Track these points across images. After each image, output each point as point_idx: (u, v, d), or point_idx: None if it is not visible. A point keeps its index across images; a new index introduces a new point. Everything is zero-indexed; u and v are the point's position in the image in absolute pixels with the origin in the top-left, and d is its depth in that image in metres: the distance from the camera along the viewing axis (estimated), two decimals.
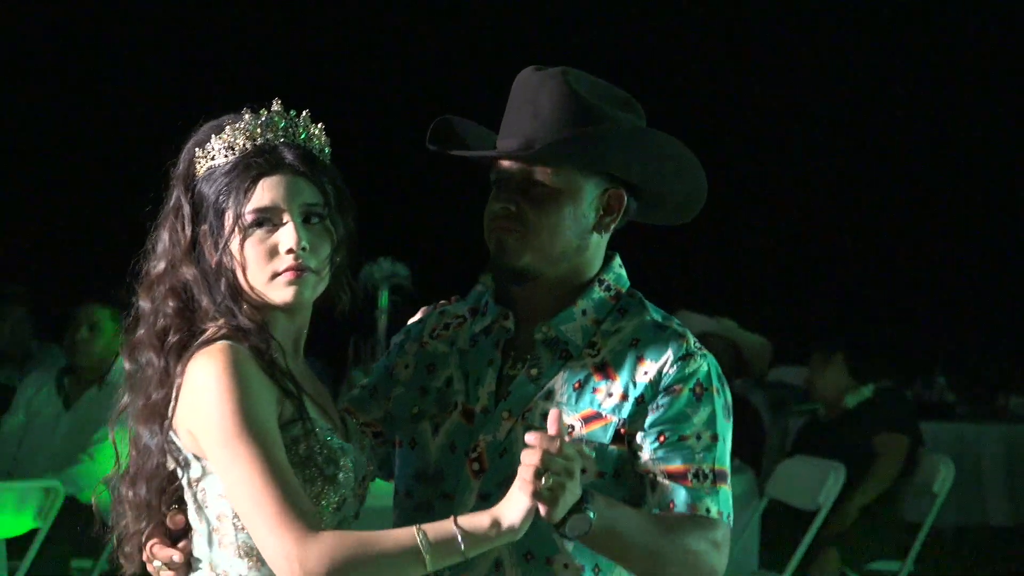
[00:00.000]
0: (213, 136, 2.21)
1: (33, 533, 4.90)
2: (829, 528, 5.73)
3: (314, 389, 2.28)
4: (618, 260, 2.35)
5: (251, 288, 2.18)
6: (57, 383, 5.71)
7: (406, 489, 2.35)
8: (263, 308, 2.20)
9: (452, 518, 2.01)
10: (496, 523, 1.99)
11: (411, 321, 2.53)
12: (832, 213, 11.03)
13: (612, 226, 2.31)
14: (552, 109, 2.22)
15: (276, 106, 2.23)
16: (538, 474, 1.96)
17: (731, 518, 2.21)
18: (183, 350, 2.16)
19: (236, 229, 2.16)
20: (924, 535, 5.80)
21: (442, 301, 2.52)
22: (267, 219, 2.17)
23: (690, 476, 2.17)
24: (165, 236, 2.22)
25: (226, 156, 2.19)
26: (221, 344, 2.12)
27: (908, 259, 10.93)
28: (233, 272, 2.17)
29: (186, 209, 2.20)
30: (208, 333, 2.16)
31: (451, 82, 9.77)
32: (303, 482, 2.10)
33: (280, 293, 2.17)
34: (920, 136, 10.87)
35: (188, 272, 2.19)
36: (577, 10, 10.83)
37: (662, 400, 2.19)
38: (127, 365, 2.26)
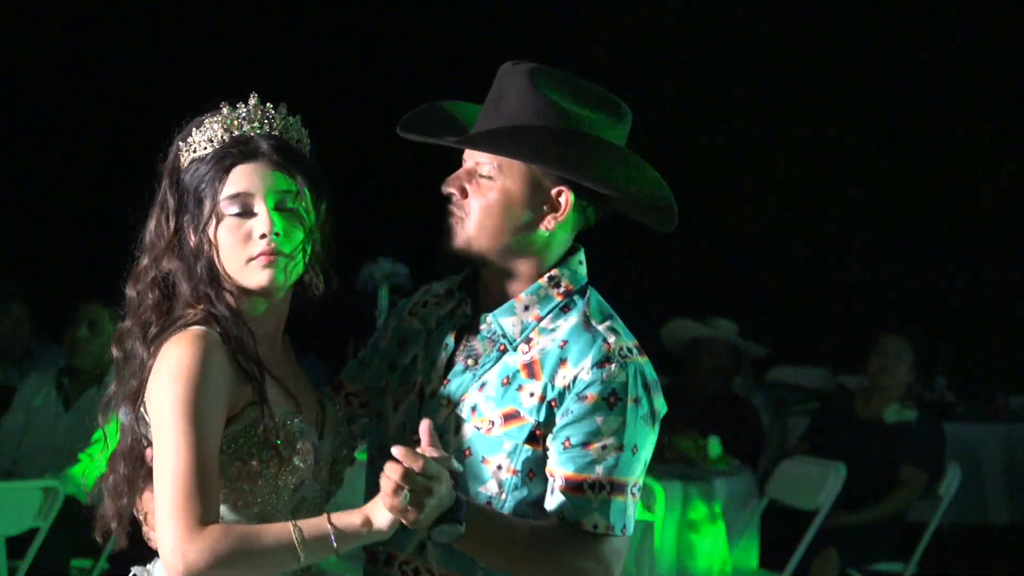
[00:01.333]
0: (195, 130, 2.31)
1: (33, 533, 4.91)
2: (828, 529, 5.73)
3: (288, 374, 2.35)
4: (579, 257, 2.31)
5: (227, 273, 2.27)
6: (57, 383, 5.71)
7: (370, 458, 2.41)
8: (241, 294, 2.28)
9: (326, 516, 2.09)
10: (367, 522, 2.08)
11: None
12: (832, 213, 11.03)
13: (559, 223, 2.25)
14: (512, 104, 2.23)
15: (253, 99, 2.32)
16: (396, 490, 2.01)
17: (627, 529, 2.15)
18: (160, 336, 2.25)
19: (213, 216, 2.26)
20: (928, 537, 5.81)
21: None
22: (241, 205, 2.26)
23: (585, 486, 2.12)
24: (151, 228, 2.33)
25: (206, 148, 2.29)
26: (192, 329, 2.21)
27: (908, 259, 10.93)
28: (210, 258, 2.27)
29: (170, 202, 2.31)
30: (184, 319, 2.24)
31: (454, 82, 9.76)
32: (260, 463, 2.20)
33: (255, 277, 2.26)
34: (920, 136, 10.87)
35: (170, 263, 2.29)
36: (582, 13, 10.84)
37: (573, 405, 2.15)
38: (115, 353, 2.33)
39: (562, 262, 2.29)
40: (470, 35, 10.35)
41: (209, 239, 2.26)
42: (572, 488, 2.12)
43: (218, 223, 2.26)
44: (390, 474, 2.02)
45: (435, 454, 2.07)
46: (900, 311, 10.15)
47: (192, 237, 2.28)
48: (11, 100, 10.50)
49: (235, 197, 2.25)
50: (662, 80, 10.81)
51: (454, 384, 2.29)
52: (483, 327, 2.30)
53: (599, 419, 2.12)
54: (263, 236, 2.24)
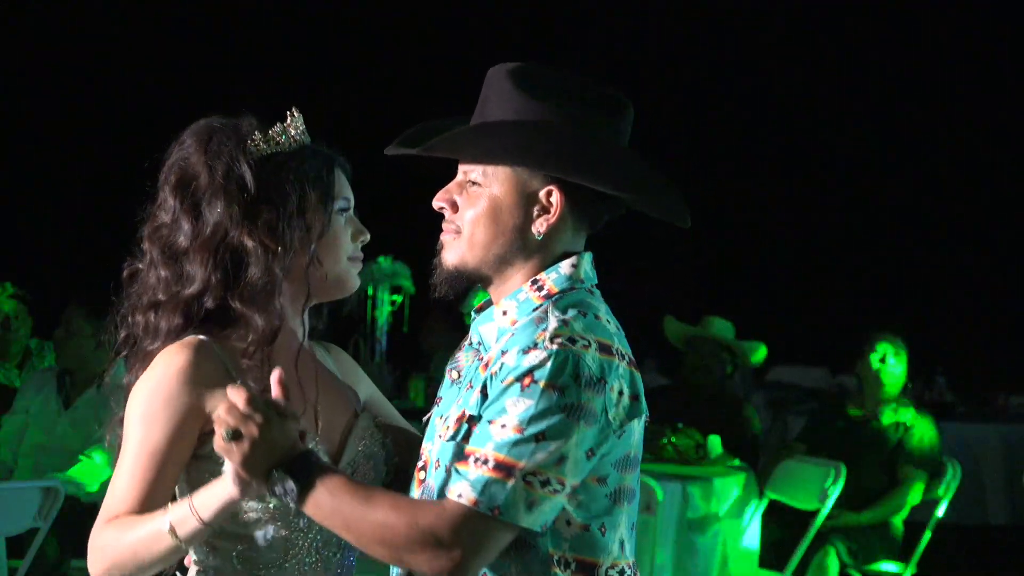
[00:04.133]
0: (277, 124, 2.28)
1: (33, 533, 4.91)
2: (828, 529, 5.73)
3: (311, 382, 2.32)
4: (570, 261, 2.15)
5: (318, 274, 2.26)
6: (57, 383, 5.72)
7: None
8: (299, 294, 2.28)
9: (189, 496, 2.09)
10: (221, 488, 2.06)
11: None
12: (832, 213, 11.03)
13: (551, 225, 2.13)
14: (493, 105, 2.15)
15: (296, 113, 2.32)
16: (219, 424, 2.01)
17: (500, 512, 1.94)
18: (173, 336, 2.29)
19: (323, 215, 2.26)
20: (928, 537, 5.81)
21: None
22: (344, 209, 2.31)
23: (471, 460, 1.98)
24: (218, 206, 2.24)
25: (291, 146, 2.28)
26: (190, 339, 2.23)
27: (908, 259, 10.93)
28: (309, 258, 2.25)
29: (250, 183, 2.23)
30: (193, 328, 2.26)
31: (454, 82, 9.77)
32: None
33: (351, 278, 2.33)
34: (920, 136, 10.87)
35: (245, 239, 2.22)
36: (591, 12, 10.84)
37: (493, 389, 2.03)
38: (173, 321, 2.31)
39: (550, 266, 2.15)
40: (476, 36, 10.34)
41: (308, 237, 2.25)
42: (460, 461, 2.00)
43: (328, 223, 2.28)
44: (219, 412, 2.02)
45: (276, 397, 2.04)
46: (900, 311, 10.15)
47: (266, 231, 2.23)
48: (11, 100, 10.50)
49: (348, 198, 2.32)
50: (662, 80, 10.81)
51: (443, 399, 2.24)
52: (471, 338, 2.23)
53: (507, 400, 1.98)
54: (362, 240, 2.33)
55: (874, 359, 6.08)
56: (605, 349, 2.03)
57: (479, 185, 2.15)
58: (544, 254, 2.14)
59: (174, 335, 2.27)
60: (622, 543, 2.08)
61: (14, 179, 10.61)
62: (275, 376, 2.08)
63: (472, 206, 2.15)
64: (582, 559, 2.05)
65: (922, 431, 5.98)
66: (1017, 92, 10.63)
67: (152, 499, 2.16)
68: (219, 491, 2.08)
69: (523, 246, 2.13)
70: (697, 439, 5.89)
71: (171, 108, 11.39)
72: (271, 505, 2.18)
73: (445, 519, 1.96)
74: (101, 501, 5.73)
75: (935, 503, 5.92)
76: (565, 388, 1.98)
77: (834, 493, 5.49)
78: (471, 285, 2.22)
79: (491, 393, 2.02)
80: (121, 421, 2.29)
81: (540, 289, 2.12)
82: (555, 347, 1.99)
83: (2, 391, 6.32)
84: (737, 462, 5.96)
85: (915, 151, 10.91)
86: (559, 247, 2.15)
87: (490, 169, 2.14)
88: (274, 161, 2.26)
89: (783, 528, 5.84)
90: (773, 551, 5.84)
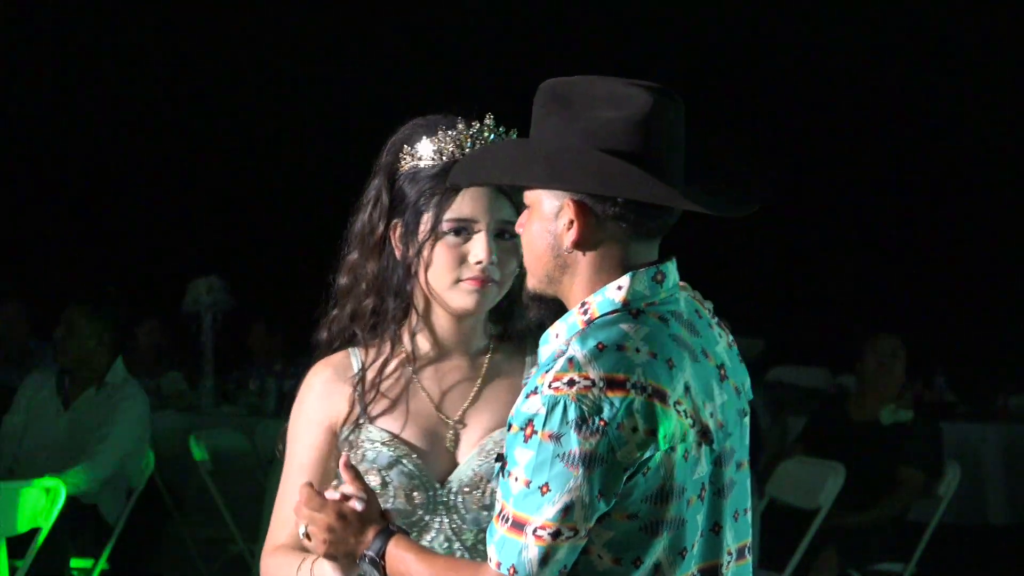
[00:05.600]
0: (424, 138, 2.31)
1: (33, 533, 4.91)
2: (828, 529, 5.73)
3: (454, 400, 2.36)
4: (618, 283, 2.09)
5: (430, 290, 2.31)
6: (57, 383, 5.72)
7: None
8: (429, 311, 2.34)
9: (314, 561, 2.23)
10: (330, 566, 2.19)
11: None
12: (832, 213, 11.03)
13: (576, 241, 2.09)
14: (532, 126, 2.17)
15: (488, 120, 2.33)
16: (299, 522, 2.18)
17: (517, 571, 2.00)
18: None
19: (433, 232, 2.28)
20: (928, 537, 5.81)
21: None
22: (463, 228, 2.29)
23: (498, 516, 2.03)
24: (364, 221, 2.35)
25: (433, 160, 2.30)
26: (327, 358, 2.37)
27: (908, 259, 10.93)
28: (412, 271, 2.31)
29: (384, 200, 2.33)
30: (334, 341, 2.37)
31: (456, 82, 9.77)
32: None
33: (461, 299, 2.30)
34: (919, 136, 10.87)
35: (372, 266, 2.33)
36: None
37: (506, 436, 2.05)
38: (323, 336, 2.40)
39: (599, 288, 2.11)
40: (479, 37, 10.34)
41: (420, 253, 2.29)
42: (496, 516, 2.04)
43: (436, 240, 2.28)
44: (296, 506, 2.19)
45: (349, 490, 2.16)
46: (900, 311, 10.15)
47: (400, 245, 2.31)
48: (10, 101, 10.50)
49: (459, 220, 2.28)
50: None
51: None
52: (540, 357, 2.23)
53: (516, 450, 1.99)
54: (479, 262, 2.28)
55: (874, 359, 6.08)
56: (614, 384, 1.99)
57: (528, 207, 2.16)
58: (592, 270, 2.11)
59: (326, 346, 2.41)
60: (658, 568, 2.06)
61: (14, 179, 10.61)
62: (342, 463, 2.19)
63: (525, 229, 2.16)
64: None
65: (922, 431, 5.99)
66: (1017, 92, 10.63)
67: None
68: (327, 570, 2.18)
69: (562, 265, 2.11)
70: None
71: (170, 108, 11.38)
72: None
73: None
74: (101, 501, 5.71)
75: (935, 503, 5.91)
76: (561, 436, 1.96)
77: (834, 493, 5.49)
78: (558, 305, 2.20)
79: (507, 436, 2.05)
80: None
81: (585, 313, 2.10)
82: (551, 392, 1.98)
83: (2, 391, 6.33)
84: None
85: (915, 151, 10.91)
86: (607, 261, 2.10)
87: (528, 192, 2.15)
88: (412, 176, 2.32)
89: (783, 528, 5.84)
90: (773, 551, 5.84)
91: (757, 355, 7.14)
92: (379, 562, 2.12)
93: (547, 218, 2.11)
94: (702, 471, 2.08)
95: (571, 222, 2.08)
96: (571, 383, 1.98)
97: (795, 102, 10.87)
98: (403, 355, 2.35)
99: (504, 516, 2.01)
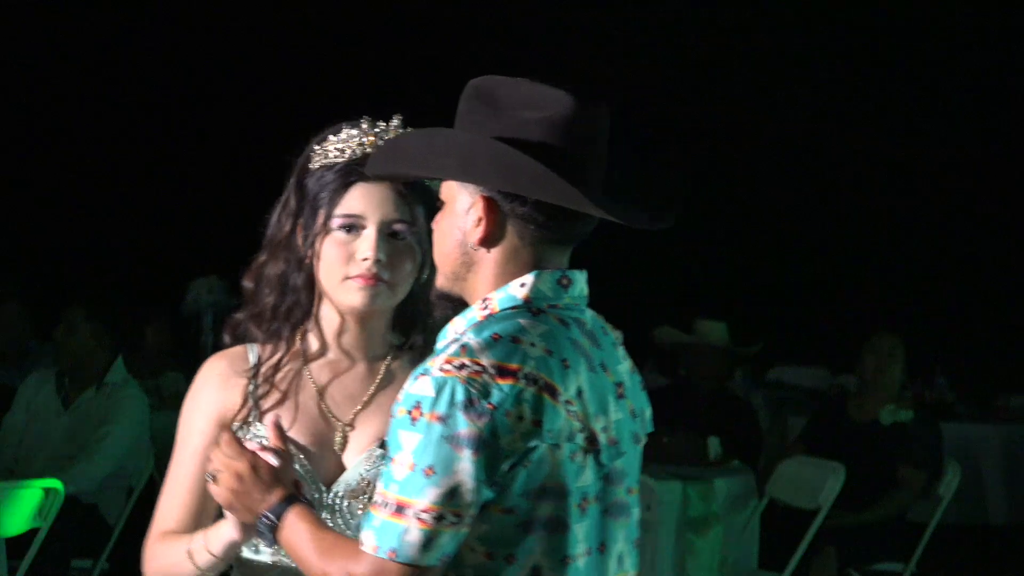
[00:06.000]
0: (331, 136, 2.33)
1: (33, 533, 4.91)
2: (828, 529, 5.73)
3: (346, 400, 2.35)
4: (521, 280, 2.07)
5: (323, 288, 2.32)
6: (57, 383, 5.72)
7: None
8: (324, 310, 2.34)
9: (205, 530, 2.25)
10: (226, 527, 2.21)
11: None
12: (831, 213, 11.03)
13: (483, 237, 2.07)
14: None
15: (395, 120, 2.33)
16: (210, 470, 2.19)
17: (398, 554, 1.95)
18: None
19: (324, 228, 2.29)
20: (928, 537, 5.81)
21: None
22: (352, 225, 2.28)
23: (379, 501, 1.99)
24: (273, 223, 2.38)
25: (336, 158, 2.31)
26: (225, 351, 2.37)
27: (908, 259, 10.94)
28: (310, 268, 2.32)
29: (292, 202, 2.34)
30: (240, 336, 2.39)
31: (455, 81, 9.77)
32: None
33: (349, 296, 2.29)
34: (919, 136, 10.87)
35: (277, 265, 2.34)
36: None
37: (392, 421, 2.01)
38: (227, 339, 2.41)
39: (504, 285, 2.08)
40: (481, 38, 10.35)
41: (314, 250, 2.30)
42: (375, 503, 2.01)
43: (325, 236, 2.29)
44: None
45: (272, 446, 2.18)
46: (900, 311, 10.15)
47: (300, 244, 2.32)
48: (10, 102, 10.50)
49: (346, 216, 2.28)
50: (659, 77, 10.81)
51: None
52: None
53: (401, 433, 1.96)
54: (365, 259, 2.27)
55: (873, 359, 6.08)
56: (505, 372, 1.97)
57: (442, 200, 2.14)
58: (497, 270, 2.08)
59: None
60: (536, 570, 2.01)
61: (14, 179, 10.61)
62: (270, 422, 2.20)
63: (436, 223, 2.15)
64: None
65: (922, 431, 5.99)
66: (1018, 92, 10.63)
67: (180, 507, 2.35)
68: (224, 530, 2.20)
69: (469, 262, 2.10)
70: (696, 440, 5.90)
71: (170, 109, 11.38)
72: (282, 554, 2.23)
73: (354, 567, 1.99)
74: (101, 501, 5.72)
75: (935, 503, 5.91)
76: (448, 418, 1.94)
77: (834, 493, 5.49)
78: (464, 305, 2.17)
79: (394, 420, 2.00)
80: None
81: (486, 308, 2.08)
82: (440, 374, 1.96)
83: (2, 391, 6.33)
84: (737, 462, 5.96)
85: (915, 151, 10.91)
86: (513, 261, 2.08)
87: (443, 188, 2.13)
88: (316, 175, 2.32)
89: (783, 528, 5.84)
90: (773, 551, 5.84)
91: (755, 354, 7.14)
92: (275, 525, 2.11)
93: (458, 214, 2.09)
94: (586, 480, 2.05)
95: (480, 219, 2.07)
96: (461, 367, 1.96)
97: (795, 101, 10.87)
98: (298, 354, 2.35)
99: (385, 503, 1.97)
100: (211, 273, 7.66)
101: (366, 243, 2.27)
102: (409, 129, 2.30)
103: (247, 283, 2.38)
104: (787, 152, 10.92)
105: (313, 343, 2.35)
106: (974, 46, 10.70)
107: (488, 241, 2.07)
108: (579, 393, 2.03)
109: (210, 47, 10.51)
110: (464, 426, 1.94)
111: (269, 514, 2.12)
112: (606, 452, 2.07)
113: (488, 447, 1.95)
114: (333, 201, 2.28)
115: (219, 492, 2.16)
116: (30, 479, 5.14)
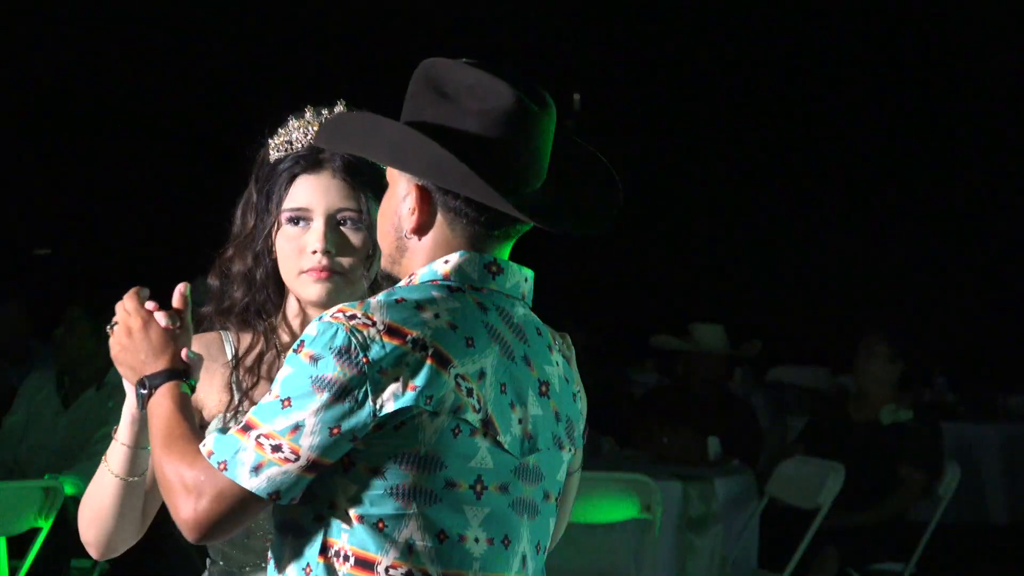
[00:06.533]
0: (279, 129, 2.33)
1: (33, 533, 4.91)
2: (828, 529, 5.73)
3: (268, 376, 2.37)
4: (445, 258, 2.07)
5: (284, 281, 2.32)
6: (57, 383, 5.73)
7: None
8: (290, 303, 2.34)
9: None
10: (126, 405, 2.22)
11: None
12: (831, 213, 11.04)
13: (418, 225, 2.07)
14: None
15: (339, 106, 2.32)
16: (113, 321, 2.18)
17: (227, 468, 1.95)
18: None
19: (275, 223, 2.29)
20: (928, 536, 5.81)
21: None
22: (300, 218, 2.28)
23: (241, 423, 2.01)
24: (236, 219, 2.37)
25: (285, 151, 2.31)
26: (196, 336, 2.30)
27: (907, 259, 10.94)
28: (271, 263, 2.32)
29: (253, 197, 2.34)
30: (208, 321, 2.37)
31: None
32: None
33: (305, 290, 2.28)
34: (919, 136, 10.87)
35: (242, 264, 2.34)
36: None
37: None
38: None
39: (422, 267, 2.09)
40: (482, 35, 10.35)
41: (270, 245, 2.31)
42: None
43: (278, 230, 2.29)
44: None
45: (175, 316, 2.16)
46: (900, 311, 10.15)
47: (259, 239, 2.32)
48: (10, 99, 10.50)
49: (293, 209, 2.28)
50: (658, 77, 10.81)
51: None
52: None
53: (283, 366, 1.99)
54: (314, 252, 2.27)
55: (872, 359, 6.09)
56: (394, 333, 1.96)
57: (386, 182, 2.15)
58: (427, 257, 2.08)
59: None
60: (411, 546, 1.98)
61: (14, 179, 10.61)
62: (178, 289, 2.19)
63: (379, 204, 2.17)
64: (359, 553, 1.98)
65: (922, 431, 5.99)
66: (1018, 92, 10.63)
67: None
68: (124, 410, 2.20)
69: (402, 247, 2.10)
70: (696, 440, 5.90)
71: (170, 109, 11.37)
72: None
73: (186, 470, 1.99)
74: None
75: (935, 503, 5.92)
76: (319, 358, 1.95)
77: (834, 493, 5.49)
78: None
79: None
80: None
81: (409, 282, 2.09)
82: (328, 319, 1.97)
83: (2, 391, 6.33)
84: (737, 462, 5.97)
85: (915, 151, 10.91)
86: (443, 250, 2.08)
87: (388, 171, 2.13)
88: (269, 168, 2.32)
89: (783, 528, 5.85)
90: (773, 551, 5.84)
91: (755, 355, 7.14)
92: (148, 394, 2.11)
93: (396, 199, 2.10)
94: (482, 464, 2.01)
95: (413, 208, 2.07)
96: (352, 317, 1.97)
97: (795, 99, 10.87)
98: (272, 344, 2.34)
99: (240, 422, 2.00)
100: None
101: (314, 235, 2.27)
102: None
103: (212, 280, 2.37)
104: (786, 151, 10.91)
105: (283, 335, 2.35)
106: (971, 34, 10.70)
107: (420, 230, 2.08)
108: (480, 375, 2.01)
109: (210, 47, 10.51)
110: (331, 370, 1.94)
111: (145, 379, 2.12)
112: (516, 443, 2.04)
113: (348, 398, 1.94)
114: (281, 195, 2.29)
115: (112, 344, 2.15)
116: (30, 479, 5.15)
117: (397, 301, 2.00)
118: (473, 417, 2.00)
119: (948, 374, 8.68)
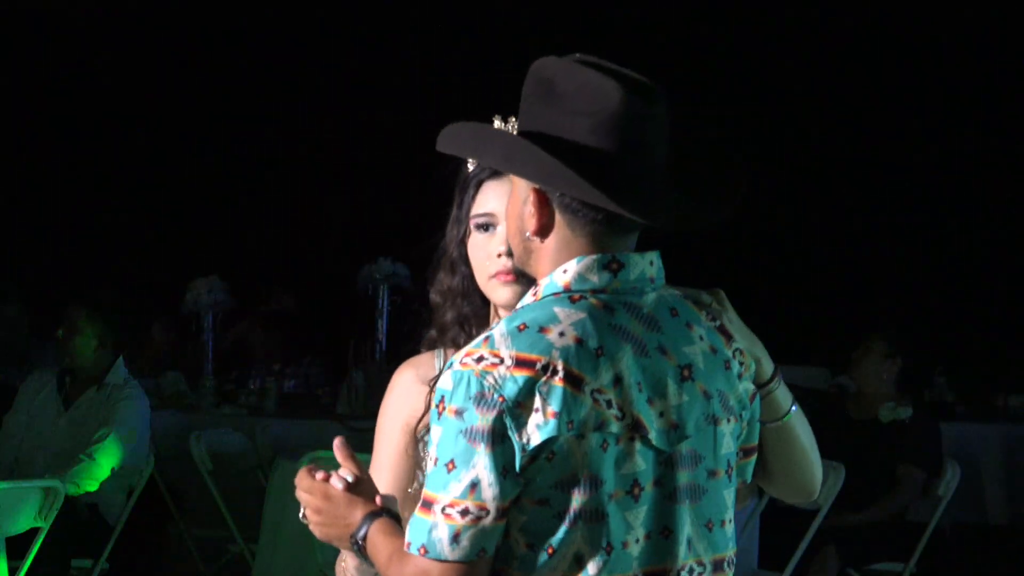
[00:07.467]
0: None
1: (33, 533, 4.92)
2: (828, 528, 5.73)
3: None
4: (564, 267, 2.09)
5: (480, 287, 2.39)
6: (57, 383, 5.73)
7: None
8: (493, 311, 2.40)
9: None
10: None
11: None
12: (831, 212, 11.03)
13: (538, 228, 2.11)
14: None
15: (515, 119, 2.34)
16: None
17: (427, 550, 1.99)
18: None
19: (467, 230, 2.37)
20: (928, 536, 5.81)
21: None
22: (488, 224, 2.35)
23: (420, 500, 2.06)
24: (446, 234, 2.44)
25: (472, 162, 2.38)
26: (408, 360, 2.43)
27: (907, 259, 10.94)
28: (468, 272, 2.39)
29: (455, 211, 2.41)
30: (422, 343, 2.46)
31: (456, 81, 9.77)
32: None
33: (495, 294, 2.35)
34: (919, 136, 10.88)
35: (450, 278, 2.41)
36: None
37: None
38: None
39: (554, 272, 2.12)
40: (481, 34, 10.35)
41: (464, 253, 2.38)
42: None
43: (468, 238, 2.37)
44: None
45: (346, 471, 2.18)
46: (900, 311, 10.15)
47: (453, 249, 2.40)
48: (10, 98, 10.50)
49: (480, 215, 2.35)
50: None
51: None
52: None
53: (432, 428, 2.02)
54: (500, 255, 2.32)
55: (871, 359, 6.09)
56: (523, 364, 1.99)
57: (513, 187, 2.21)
58: (550, 258, 2.12)
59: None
60: (579, 559, 2.02)
61: (14, 179, 10.61)
62: (336, 443, 2.20)
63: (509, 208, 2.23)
64: None
65: (921, 429, 5.99)
66: (1018, 92, 10.63)
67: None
68: (348, 559, 2.25)
69: (528, 248, 2.14)
70: None
71: (170, 108, 11.34)
72: None
73: (401, 568, 2.03)
74: (101, 501, 5.73)
75: (935, 503, 5.92)
76: (464, 411, 1.98)
77: (834, 492, 5.49)
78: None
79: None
80: None
81: (535, 296, 2.13)
82: (459, 368, 2.00)
83: (2, 391, 6.34)
84: None
85: (914, 151, 10.91)
86: (565, 249, 2.11)
87: (513, 175, 2.19)
88: (466, 178, 2.39)
89: (783, 528, 5.85)
90: (773, 551, 5.84)
91: None
92: (362, 546, 2.12)
93: (518, 202, 2.14)
94: (635, 467, 2.04)
95: (533, 211, 2.11)
96: (479, 359, 2.00)
97: (796, 99, 10.87)
98: None
99: (417, 498, 2.03)
100: (211, 273, 7.66)
101: (498, 240, 2.33)
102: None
103: (435, 298, 2.44)
104: (786, 150, 10.92)
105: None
106: (974, 42, 10.70)
107: (541, 231, 2.12)
108: (616, 381, 2.03)
109: (211, 48, 10.51)
110: (477, 420, 1.97)
111: (357, 537, 2.13)
112: (663, 436, 2.06)
113: (503, 440, 1.97)
114: (469, 203, 2.36)
115: (312, 530, 2.18)
116: (30, 479, 5.16)
117: (519, 329, 2.02)
118: (617, 427, 2.02)
119: (948, 374, 8.67)
